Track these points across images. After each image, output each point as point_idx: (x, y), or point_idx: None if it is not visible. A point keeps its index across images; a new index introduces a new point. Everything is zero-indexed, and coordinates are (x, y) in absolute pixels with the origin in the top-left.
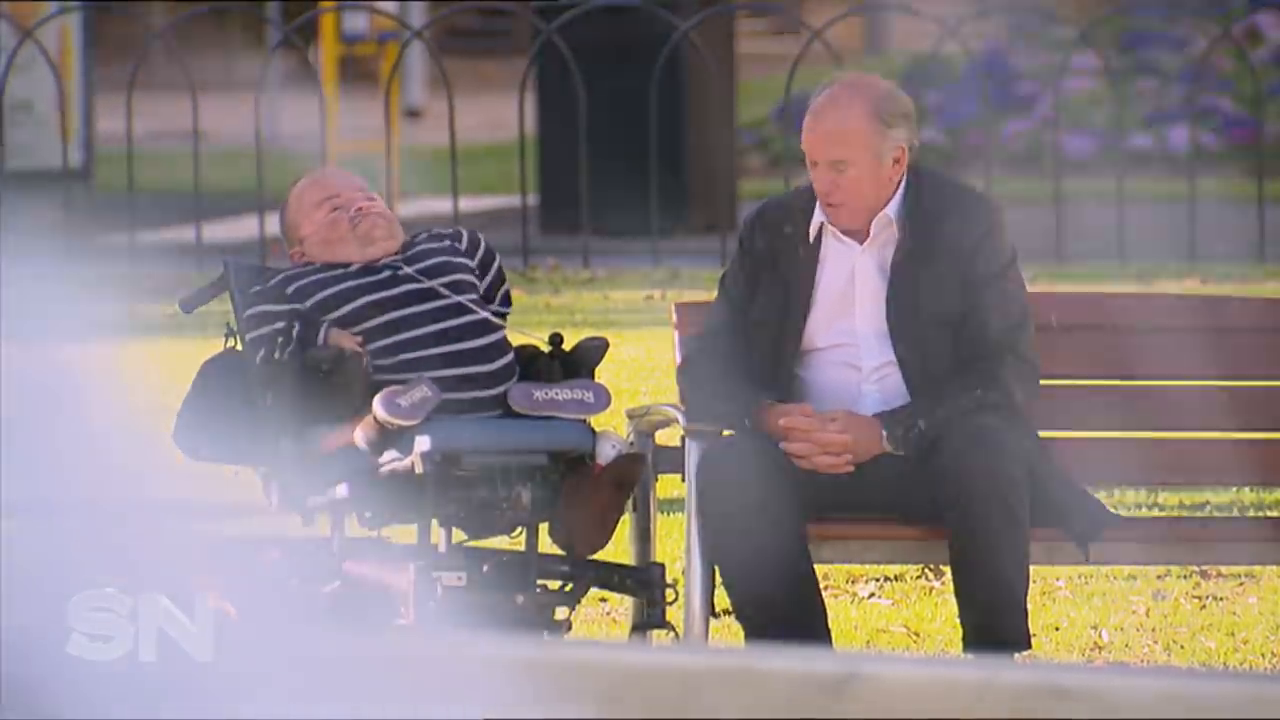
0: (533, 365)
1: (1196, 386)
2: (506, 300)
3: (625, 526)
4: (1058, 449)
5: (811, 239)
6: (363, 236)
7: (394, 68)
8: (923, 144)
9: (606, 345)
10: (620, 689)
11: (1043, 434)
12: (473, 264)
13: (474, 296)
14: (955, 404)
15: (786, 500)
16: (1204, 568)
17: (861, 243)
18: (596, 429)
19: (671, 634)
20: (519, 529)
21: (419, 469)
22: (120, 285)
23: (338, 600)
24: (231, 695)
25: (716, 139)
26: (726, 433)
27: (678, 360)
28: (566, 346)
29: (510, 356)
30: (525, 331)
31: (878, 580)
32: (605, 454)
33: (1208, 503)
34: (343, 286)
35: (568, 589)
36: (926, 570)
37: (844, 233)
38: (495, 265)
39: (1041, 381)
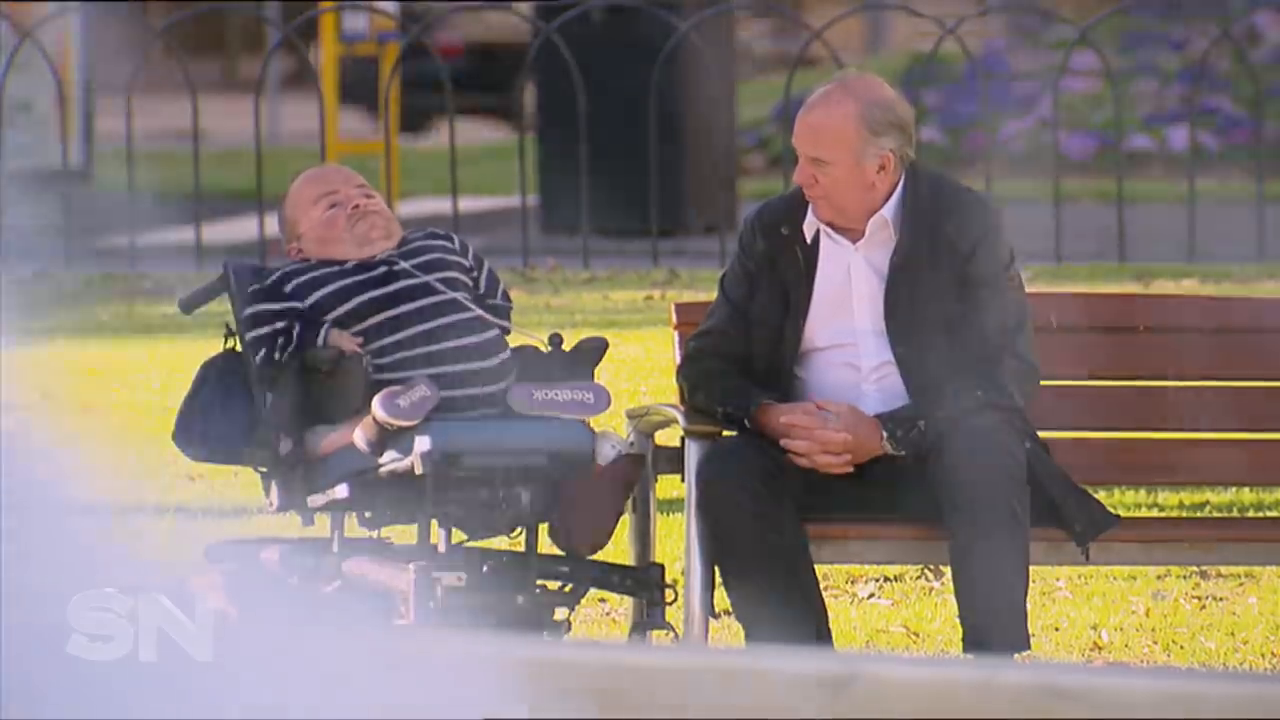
0: (532, 365)
1: (1196, 387)
2: (506, 296)
3: (625, 527)
4: (1058, 449)
5: (809, 240)
6: (360, 236)
7: (394, 68)
8: (923, 144)
9: (606, 345)
10: (620, 689)
11: (1043, 434)
12: (468, 263)
13: (468, 295)
14: (955, 405)
15: (786, 500)
16: (1204, 568)
17: (856, 241)
18: (596, 429)
19: (671, 634)
20: (519, 529)
21: (419, 469)
22: (120, 285)
23: (338, 600)
24: (231, 695)
25: (716, 139)
26: (726, 433)
27: (678, 360)
28: (566, 346)
29: (508, 353)
30: (525, 331)
31: (877, 580)
32: (605, 454)
33: (1208, 503)
34: (340, 284)
35: (567, 589)
36: (926, 570)
37: (839, 232)
38: (485, 266)
39: (1041, 382)
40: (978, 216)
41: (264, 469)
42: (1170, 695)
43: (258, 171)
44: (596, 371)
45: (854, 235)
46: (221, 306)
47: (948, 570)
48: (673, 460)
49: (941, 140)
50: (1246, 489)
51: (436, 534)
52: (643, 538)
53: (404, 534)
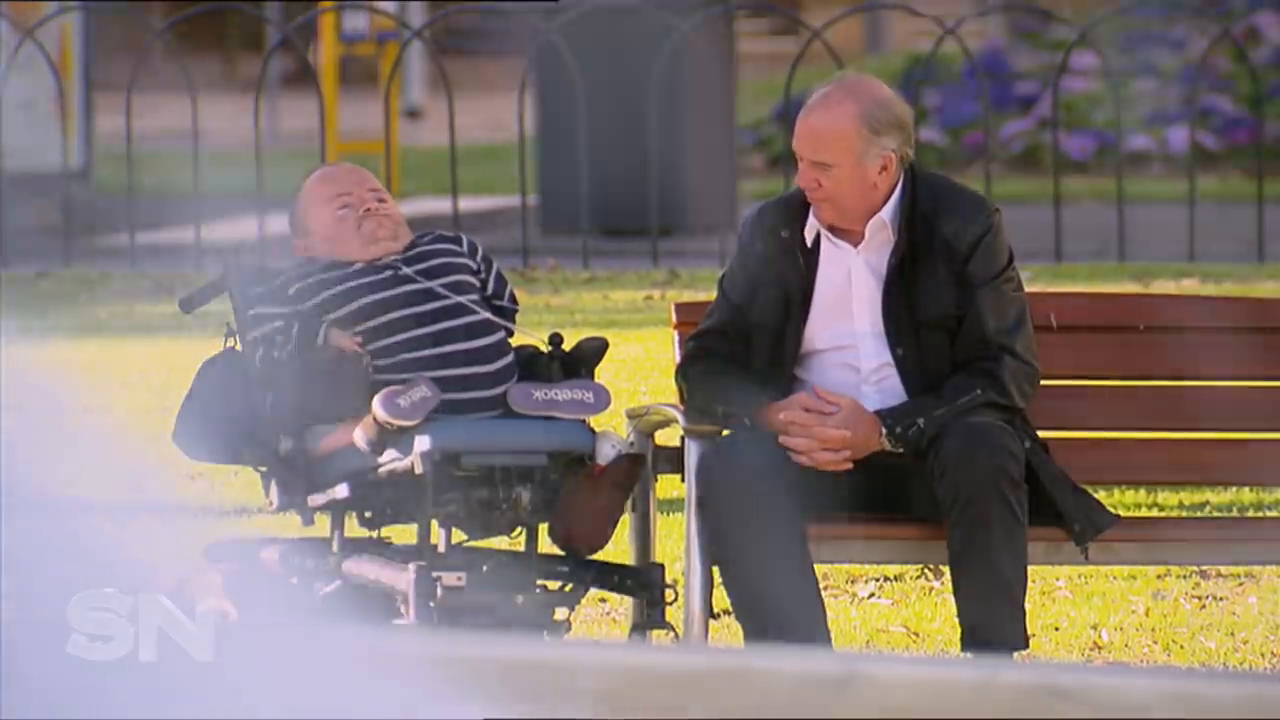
0: (533, 365)
1: (1196, 386)
2: (513, 298)
3: (625, 526)
4: (1058, 449)
5: (809, 241)
6: (367, 236)
7: (394, 68)
8: (922, 144)
9: (606, 345)
10: (620, 689)
11: (1043, 434)
12: (475, 265)
13: (474, 297)
14: (955, 403)
15: (786, 500)
16: (1204, 568)
17: (856, 245)
18: (596, 429)
19: (671, 634)
20: (519, 529)
21: (418, 469)
22: (120, 285)
23: (338, 600)
24: (232, 695)
25: (716, 139)
26: (726, 433)
27: (677, 360)
28: (566, 346)
29: (510, 357)
30: (525, 331)
31: (877, 580)
32: (605, 454)
33: (1208, 503)
34: (344, 286)
35: (567, 589)
36: (926, 570)
37: (839, 234)
38: (494, 268)
39: (1041, 381)
40: (977, 217)
41: (264, 468)
42: (1170, 695)
43: (258, 171)
44: (596, 371)
45: (854, 238)
46: (221, 306)
47: (947, 570)
48: (673, 460)
49: (941, 140)
50: (1246, 489)
51: (436, 534)
52: (643, 538)
53: (404, 534)
